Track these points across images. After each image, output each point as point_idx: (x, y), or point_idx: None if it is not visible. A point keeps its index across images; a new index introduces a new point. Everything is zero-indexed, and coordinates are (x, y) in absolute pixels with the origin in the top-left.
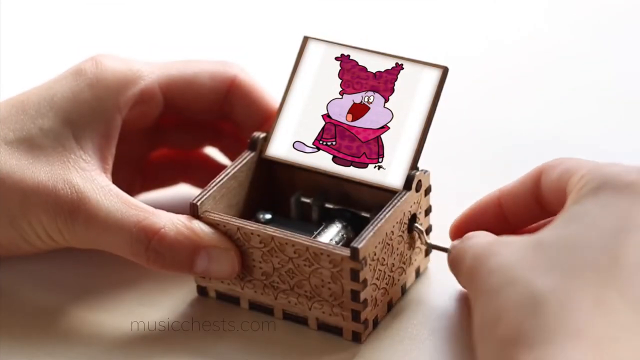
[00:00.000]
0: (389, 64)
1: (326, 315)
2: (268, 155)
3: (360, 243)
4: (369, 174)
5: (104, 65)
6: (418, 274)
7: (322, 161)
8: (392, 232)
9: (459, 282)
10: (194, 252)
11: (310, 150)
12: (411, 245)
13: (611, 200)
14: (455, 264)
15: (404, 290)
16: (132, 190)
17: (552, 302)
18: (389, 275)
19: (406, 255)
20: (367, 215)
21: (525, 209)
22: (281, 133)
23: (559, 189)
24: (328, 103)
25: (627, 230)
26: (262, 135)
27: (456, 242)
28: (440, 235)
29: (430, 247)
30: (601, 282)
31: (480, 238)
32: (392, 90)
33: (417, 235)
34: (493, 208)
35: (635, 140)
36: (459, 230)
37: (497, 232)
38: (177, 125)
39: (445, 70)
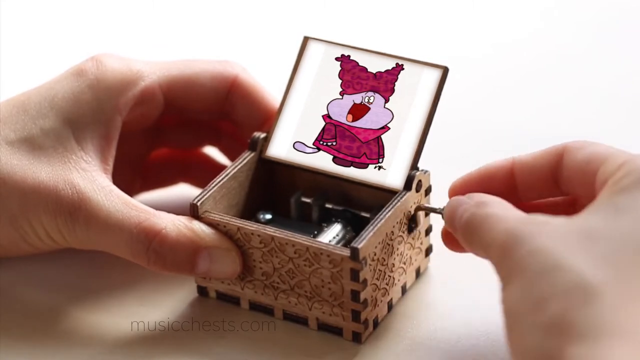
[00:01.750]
0: (389, 64)
1: (326, 316)
2: (268, 155)
3: (360, 243)
4: (369, 174)
5: (104, 66)
6: (418, 274)
7: (323, 161)
8: (392, 232)
9: (469, 243)
10: (195, 253)
11: (310, 150)
12: (411, 245)
13: None
14: (471, 229)
15: (404, 291)
16: (132, 190)
17: (605, 296)
18: (389, 276)
19: (406, 255)
20: (367, 215)
21: (539, 182)
22: (281, 133)
23: (585, 172)
24: (328, 103)
25: None
26: (263, 135)
27: (461, 198)
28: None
29: (422, 210)
30: None
31: (504, 209)
32: (393, 91)
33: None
34: (504, 174)
35: (637, 141)
36: (462, 190)
37: (503, 199)
38: (177, 125)
39: (445, 71)
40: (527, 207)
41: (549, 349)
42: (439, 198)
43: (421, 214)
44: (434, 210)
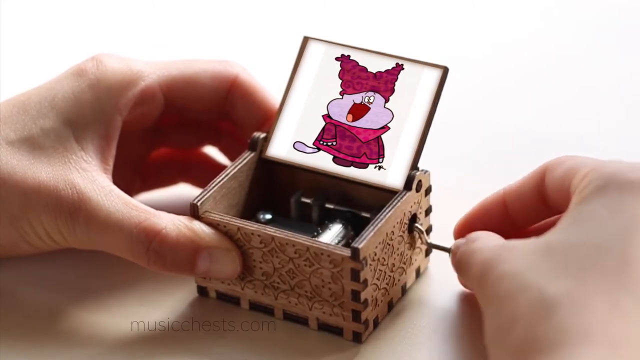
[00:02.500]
0: (389, 64)
1: (327, 316)
2: (268, 155)
3: (360, 243)
4: (369, 174)
5: (104, 66)
6: (418, 274)
7: (323, 161)
8: (393, 232)
9: (465, 283)
10: (195, 253)
11: (310, 150)
12: (411, 245)
13: (616, 200)
14: (461, 267)
15: (404, 291)
16: (132, 190)
17: (565, 305)
18: (389, 276)
19: (406, 255)
20: (368, 215)
21: (530, 207)
22: (281, 133)
23: (562, 187)
24: (328, 103)
25: (634, 230)
26: (263, 135)
27: (460, 241)
28: (441, 235)
29: (430, 247)
30: (613, 284)
31: (486, 241)
32: (393, 91)
33: (417, 235)
34: (497, 207)
35: (637, 141)
36: (464, 229)
37: (503, 231)
38: (177, 125)
39: (445, 70)
40: (526, 233)
41: None
42: (439, 198)
43: (421, 214)
44: (444, 249)
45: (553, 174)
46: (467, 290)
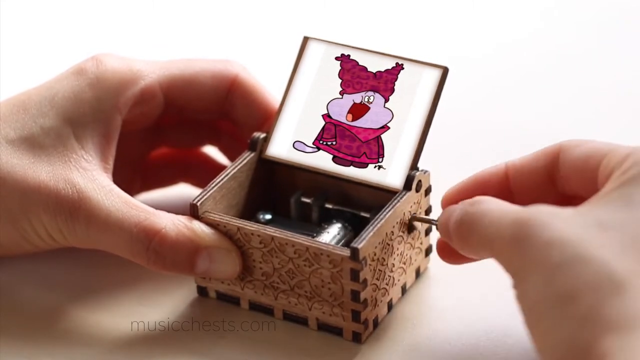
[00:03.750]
0: (389, 63)
1: (326, 316)
2: (268, 155)
3: (360, 243)
4: (369, 174)
5: (104, 65)
6: (418, 274)
7: (322, 161)
8: (392, 232)
9: (467, 247)
10: (195, 253)
11: (310, 150)
12: (411, 245)
13: None
14: (465, 229)
15: (404, 291)
16: (132, 190)
17: (635, 285)
18: (389, 276)
19: (406, 255)
20: (367, 215)
21: (536, 184)
22: (281, 133)
23: (585, 168)
24: (328, 103)
25: None
26: (262, 135)
27: (453, 206)
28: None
29: (416, 220)
30: None
31: (500, 204)
32: (392, 90)
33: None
34: (498, 180)
35: (638, 141)
36: (457, 198)
37: None
38: (177, 125)
39: (445, 70)
40: None
41: (582, 341)
42: (439, 198)
43: (421, 214)
44: (429, 222)
45: (571, 154)
46: (467, 291)
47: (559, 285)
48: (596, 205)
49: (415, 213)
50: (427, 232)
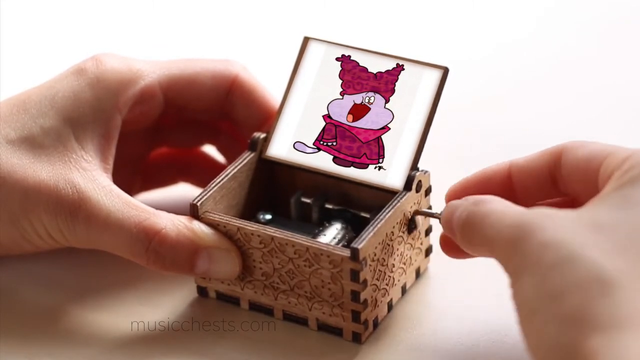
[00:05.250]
0: (390, 64)
1: (326, 316)
2: (268, 155)
3: (360, 243)
4: (369, 175)
5: (104, 65)
6: (418, 274)
7: (323, 162)
8: (392, 232)
9: (468, 245)
10: (195, 253)
11: (310, 150)
12: (411, 245)
13: None
14: (469, 228)
15: (404, 291)
16: (132, 190)
17: (624, 286)
18: (389, 276)
19: (406, 255)
20: (367, 215)
21: (538, 184)
22: (281, 133)
23: (587, 169)
24: (329, 103)
25: None
26: (263, 135)
27: (458, 201)
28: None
29: (419, 214)
30: None
31: (504, 205)
32: (393, 91)
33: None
34: (501, 178)
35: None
36: (460, 194)
37: None
38: (177, 124)
39: (445, 71)
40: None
41: (568, 340)
42: (439, 199)
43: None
44: (432, 215)
45: (574, 155)
46: (467, 291)
47: (550, 285)
48: (594, 206)
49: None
50: (427, 232)
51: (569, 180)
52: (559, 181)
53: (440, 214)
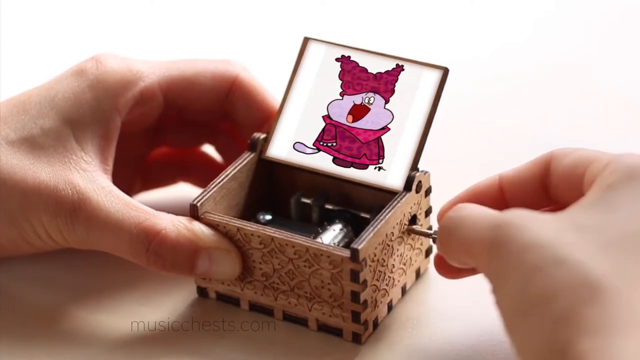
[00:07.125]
0: (390, 65)
1: (326, 316)
2: (268, 156)
3: (360, 244)
4: (369, 175)
5: (104, 66)
6: (418, 275)
7: (323, 162)
8: (392, 233)
9: (449, 252)
10: (195, 253)
11: (310, 151)
12: (411, 246)
13: None
14: (447, 233)
15: (404, 292)
16: (132, 190)
17: (611, 288)
18: (389, 277)
19: (406, 256)
20: (367, 216)
21: (530, 194)
22: (281, 134)
23: (572, 176)
24: (328, 104)
25: None
26: (262, 136)
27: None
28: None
29: (411, 232)
30: None
31: (479, 209)
32: (393, 92)
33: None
34: (493, 192)
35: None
36: None
37: None
38: (177, 125)
39: (445, 71)
40: None
41: (558, 343)
42: (439, 199)
43: (421, 215)
44: (427, 235)
45: (561, 162)
46: (467, 292)
47: (535, 288)
48: (575, 210)
49: (415, 214)
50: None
51: (558, 188)
52: (550, 189)
53: (434, 234)
